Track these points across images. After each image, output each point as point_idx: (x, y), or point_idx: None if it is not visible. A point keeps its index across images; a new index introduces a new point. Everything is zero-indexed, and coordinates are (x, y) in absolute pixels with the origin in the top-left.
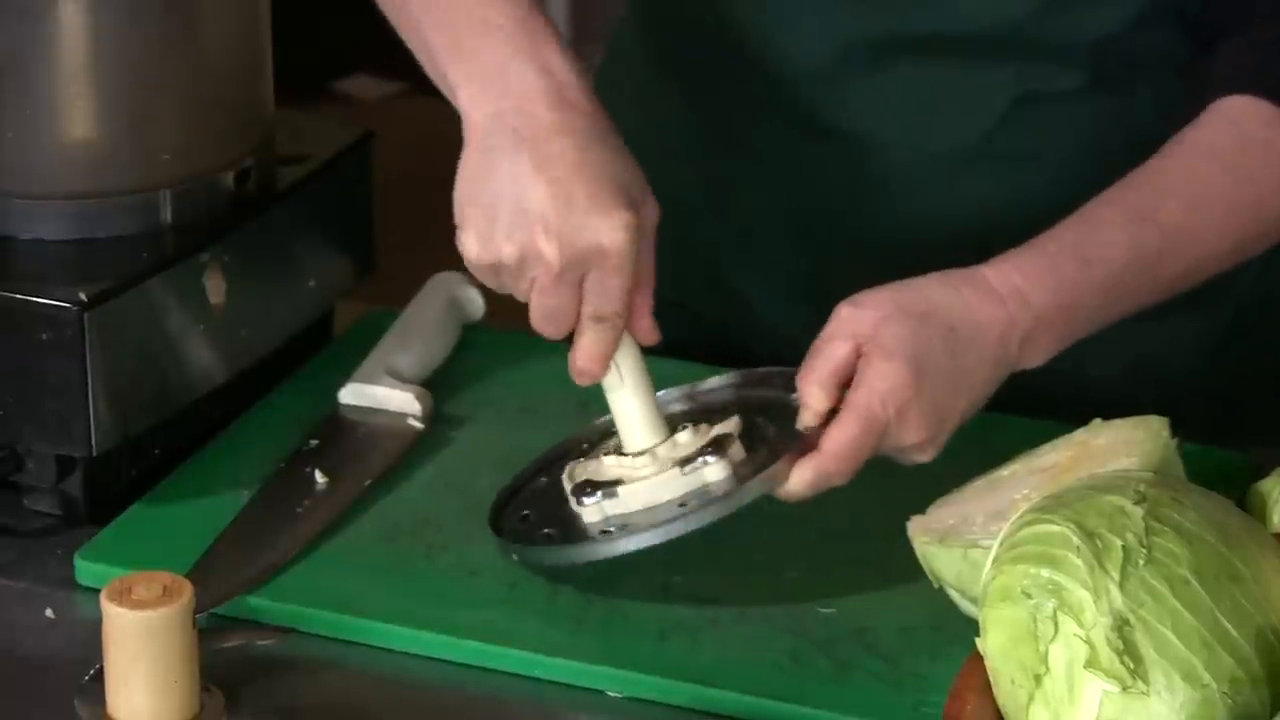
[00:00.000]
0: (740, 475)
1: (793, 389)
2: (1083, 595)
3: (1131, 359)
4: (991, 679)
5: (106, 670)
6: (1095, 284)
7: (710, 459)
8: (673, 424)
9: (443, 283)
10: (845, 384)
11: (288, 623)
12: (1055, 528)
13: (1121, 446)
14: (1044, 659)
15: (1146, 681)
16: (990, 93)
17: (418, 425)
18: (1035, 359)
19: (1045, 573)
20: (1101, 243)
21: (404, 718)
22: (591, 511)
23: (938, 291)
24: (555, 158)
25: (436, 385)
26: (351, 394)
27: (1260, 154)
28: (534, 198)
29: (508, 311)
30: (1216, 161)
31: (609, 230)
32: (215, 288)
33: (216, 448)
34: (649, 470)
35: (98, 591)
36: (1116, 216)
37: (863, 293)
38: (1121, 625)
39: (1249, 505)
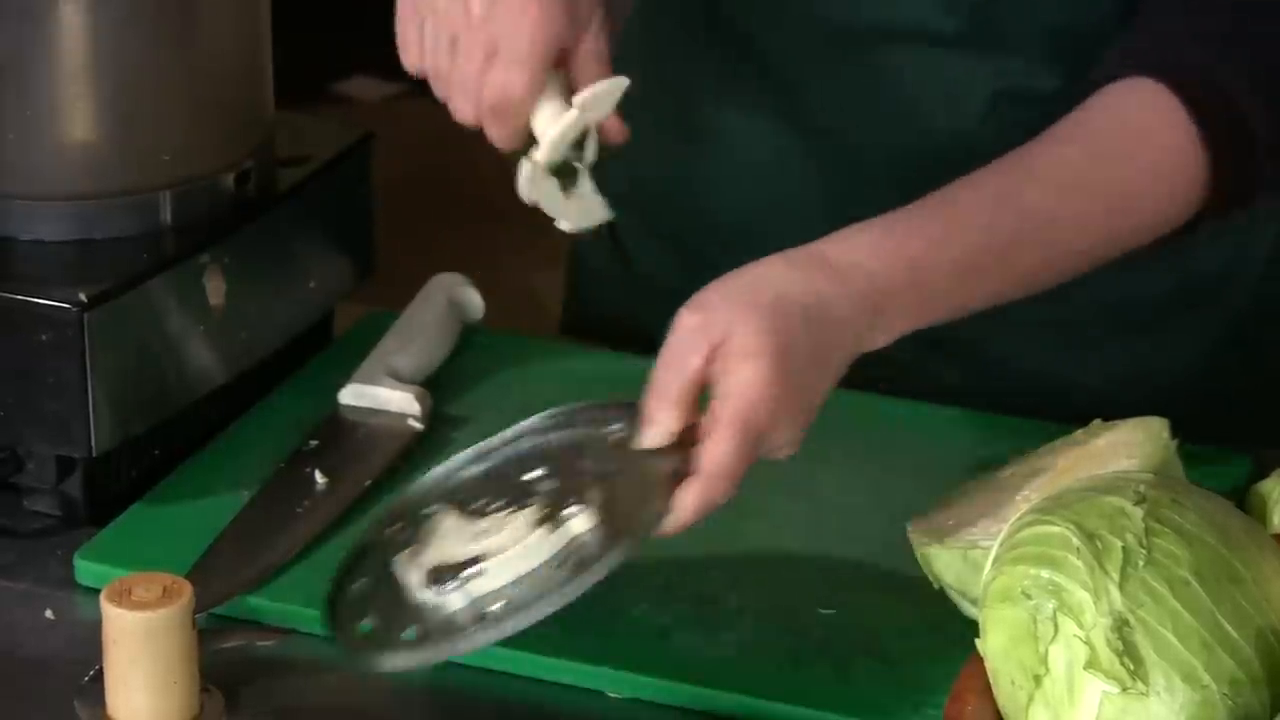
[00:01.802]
0: (610, 520)
1: (604, 424)
2: (1083, 596)
3: (1131, 362)
4: (991, 680)
5: (106, 671)
6: (944, 264)
7: (574, 508)
8: (476, 490)
9: (442, 284)
10: (698, 396)
11: (288, 623)
12: (1055, 529)
13: (1121, 447)
14: (1044, 660)
15: (1146, 682)
16: (968, 90)
17: (418, 426)
18: (885, 337)
19: (1045, 574)
20: (954, 223)
21: (403, 718)
22: (456, 598)
23: (781, 275)
24: None
25: (436, 386)
26: (351, 394)
27: (1135, 141)
28: None
29: (508, 312)
30: (1089, 147)
31: (512, 24)
32: (215, 289)
33: (216, 448)
34: (509, 537)
35: (98, 592)
36: (975, 198)
37: (701, 292)
38: (1121, 626)
39: (1249, 506)
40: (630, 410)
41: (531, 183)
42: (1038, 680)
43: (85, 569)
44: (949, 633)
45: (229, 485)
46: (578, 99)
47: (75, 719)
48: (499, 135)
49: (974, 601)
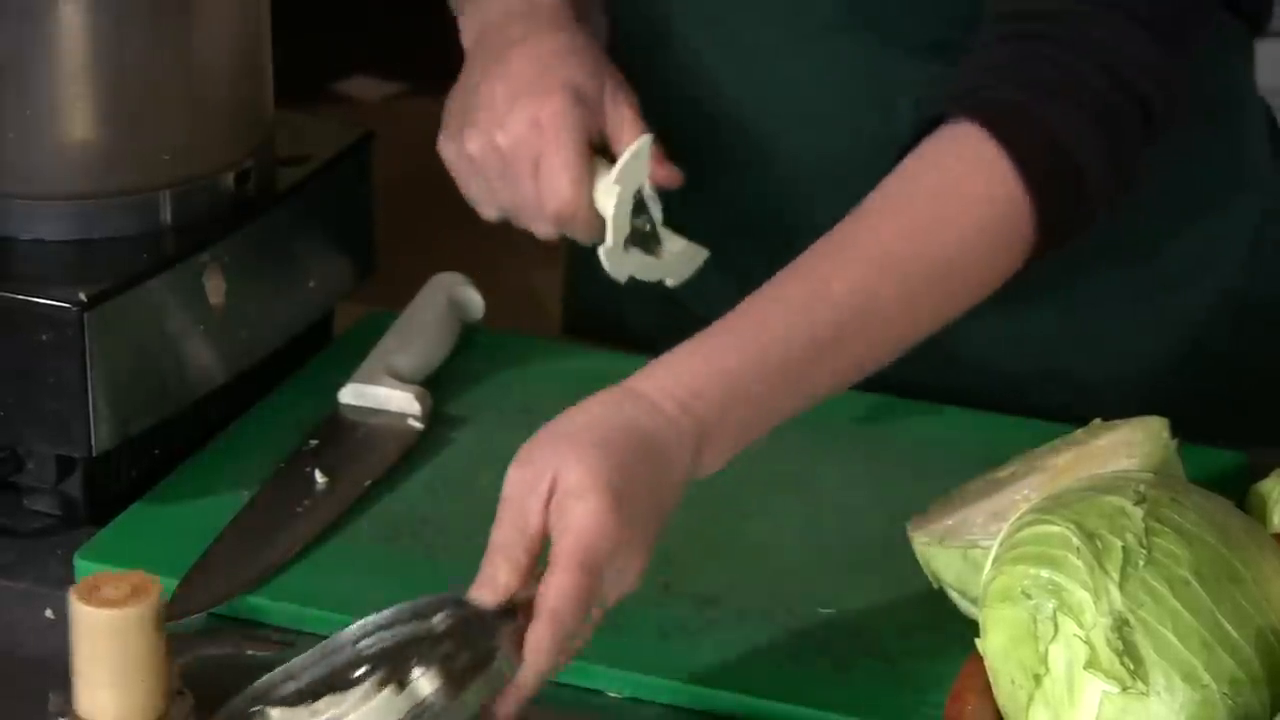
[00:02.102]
0: (456, 677)
1: (428, 617)
2: (1083, 596)
3: (1124, 360)
4: (991, 679)
5: (73, 666)
6: (763, 375)
7: (418, 670)
8: (314, 691)
9: (442, 283)
10: (538, 551)
11: (288, 623)
12: (1055, 528)
13: (1121, 447)
14: (1044, 659)
15: (1146, 682)
16: (897, 91)
17: (417, 425)
18: (717, 458)
19: (1045, 573)
20: (767, 330)
21: None
22: None
23: (602, 415)
24: (511, 65)
25: (436, 385)
26: (351, 394)
27: (956, 204)
28: (489, 98)
29: (508, 313)
30: (904, 220)
31: (548, 113)
32: (215, 288)
33: (216, 448)
34: (351, 704)
35: None
36: (791, 294)
37: (526, 446)
38: (1121, 626)
39: (1249, 506)
40: (450, 602)
41: (616, 266)
42: (1038, 680)
43: (85, 568)
44: (949, 633)
45: (229, 485)
46: (612, 174)
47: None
48: (581, 236)
49: (974, 601)
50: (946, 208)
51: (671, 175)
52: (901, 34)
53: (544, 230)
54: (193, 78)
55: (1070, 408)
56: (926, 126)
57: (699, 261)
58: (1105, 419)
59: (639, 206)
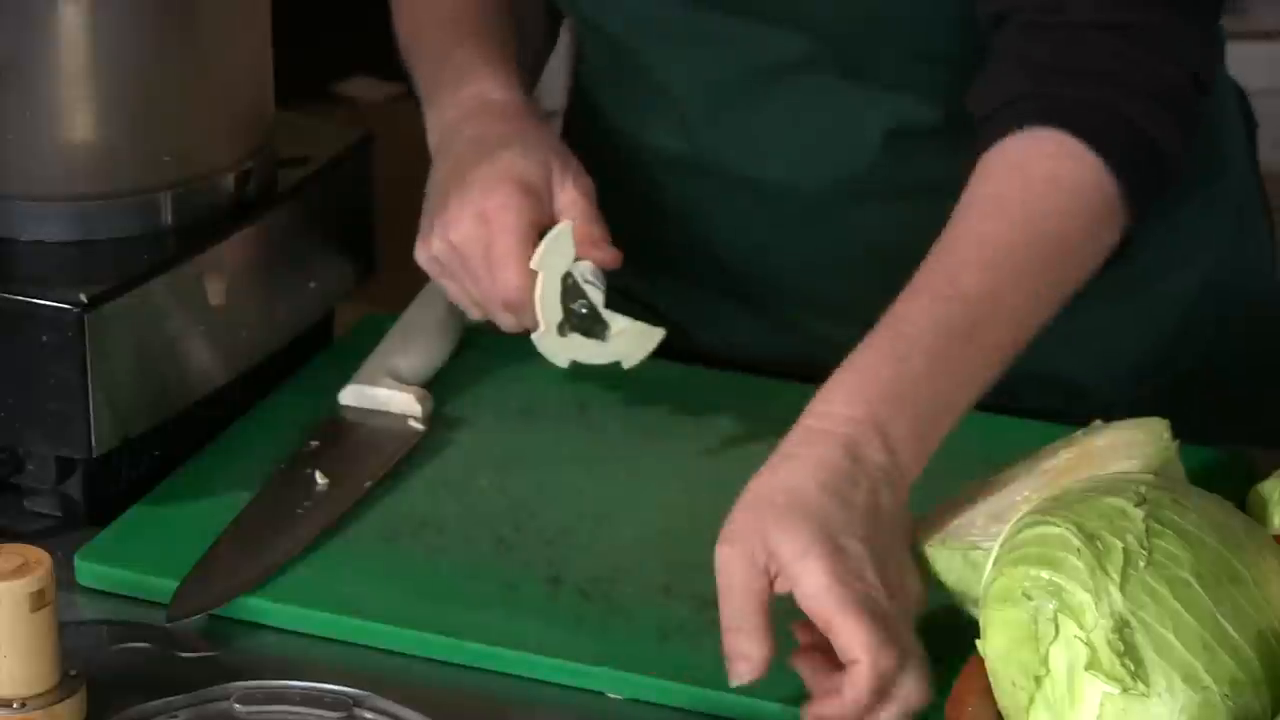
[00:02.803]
0: None
1: None
2: (1083, 597)
3: (1111, 356)
4: (992, 681)
5: None
6: (918, 374)
7: None
8: None
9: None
10: (771, 628)
11: (288, 624)
12: (1056, 529)
13: (1122, 448)
14: (1044, 661)
15: (1147, 683)
16: (863, 126)
17: (418, 427)
18: (912, 463)
19: (1046, 574)
20: (909, 334)
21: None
22: None
23: (782, 473)
24: (462, 164)
25: (437, 387)
26: (352, 395)
27: (1047, 192)
28: (443, 199)
29: None
30: (1006, 217)
31: (494, 206)
32: (216, 289)
33: (216, 449)
34: None
35: (98, 592)
36: (918, 303)
37: (729, 524)
38: (1122, 627)
39: (1249, 507)
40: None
41: (552, 351)
42: (1038, 681)
43: (85, 569)
44: (949, 633)
45: (229, 485)
46: (533, 260)
47: None
48: (530, 325)
49: (974, 602)
50: (1045, 201)
51: (607, 256)
52: (864, 71)
53: (506, 322)
54: (193, 79)
55: (1070, 408)
56: (992, 136)
57: (652, 342)
58: (1105, 419)
59: (575, 291)
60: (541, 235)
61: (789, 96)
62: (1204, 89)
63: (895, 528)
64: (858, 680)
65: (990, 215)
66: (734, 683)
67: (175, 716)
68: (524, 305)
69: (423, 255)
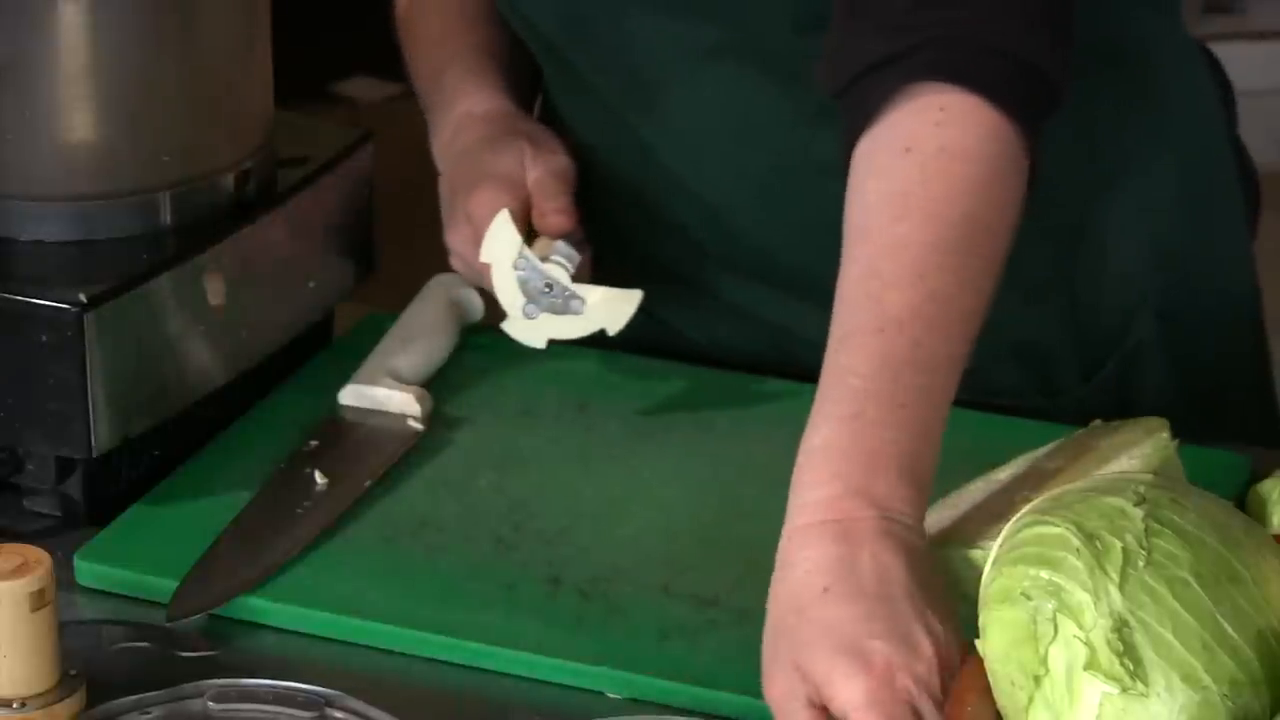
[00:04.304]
0: None
1: None
2: (1082, 597)
3: (1083, 328)
4: (991, 681)
5: None
6: (877, 423)
7: None
8: None
9: (442, 284)
10: None
11: (288, 624)
12: (1055, 529)
13: (1121, 448)
14: (1044, 661)
15: (1146, 683)
16: (787, 113)
17: (417, 426)
18: (906, 508)
19: (1045, 574)
20: (854, 386)
21: (404, 718)
22: None
23: (791, 585)
24: (455, 170)
25: (436, 386)
26: (351, 395)
27: (945, 169)
28: (444, 205)
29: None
30: (912, 215)
31: (474, 205)
32: (215, 289)
33: (216, 449)
34: None
35: (98, 592)
36: (852, 347)
37: (768, 663)
38: (1121, 627)
39: (1249, 507)
40: None
41: (525, 335)
42: (1037, 681)
43: (85, 569)
44: None
45: (229, 485)
46: (481, 255)
47: None
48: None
49: (974, 602)
50: (946, 182)
51: (555, 222)
52: (775, 64)
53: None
54: (193, 79)
55: (1070, 408)
56: (867, 111)
57: (631, 305)
58: (1105, 419)
59: (535, 273)
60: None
61: (710, 85)
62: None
63: (913, 581)
64: None
65: (897, 217)
66: None
67: (149, 713)
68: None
69: (453, 261)
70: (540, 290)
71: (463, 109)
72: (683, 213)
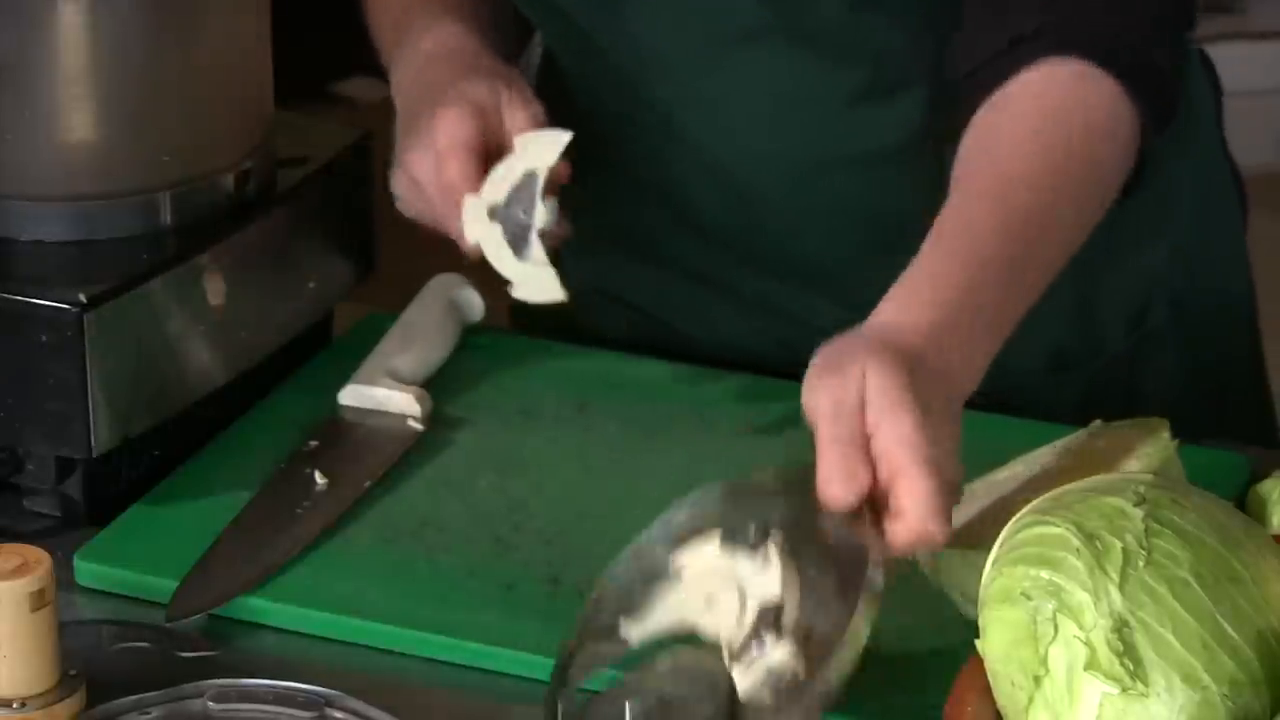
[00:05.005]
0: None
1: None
2: (1082, 597)
3: (1098, 324)
4: (991, 681)
5: None
6: (985, 288)
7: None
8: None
9: (442, 284)
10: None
11: (288, 624)
12: (1055, 529)
13: (1121, 448)
14: (1044, 661)
15: (1146, 683)
16: (828, 92)
17: (417, 426)
18: (971, 373)
19: (1045, 574)
20: (974, 248)
21: (404, 718)
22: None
23: (851, 339)
24: (426, 94)
25: (436, 386)
26: (351, 395)
27: (1075, 112)
28: (405, 141)
29: (507, 313)
30: (1040, 139)
31: (439, 123)
32: (215, 289)
33: (216, 449)
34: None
35: (98, 592)
36: (978, 217)
37: (823, 352)
38: (1121, 627)
39: (1249, 507)
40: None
41: (473, 223)
42: (1037, 681)
43: (85, 569)
44: (949, 633)
45: (229, 485)
46: (519, 139)
47: None
48: (455, 229)
49: (974, 602)
50: (1074, 120)
51: (532, 112)
52: (824, 42)
53: (449, 226)
54: (193, 78)
55: (1070, 408)
56: (998, 79)
57: (551, 296)
58: (1105, 419)
59: (528, 198)
60: (489, 157)
61: (743, 66)
62: (1189, 22)
63: (948, 430)
64: (898, 537)
65: (1024, 139)
66: (826, 497)
67: (149, 713)
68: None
69: (395, 190)
70: (516, 215)
71: (432, 44)
72: (701, 198)
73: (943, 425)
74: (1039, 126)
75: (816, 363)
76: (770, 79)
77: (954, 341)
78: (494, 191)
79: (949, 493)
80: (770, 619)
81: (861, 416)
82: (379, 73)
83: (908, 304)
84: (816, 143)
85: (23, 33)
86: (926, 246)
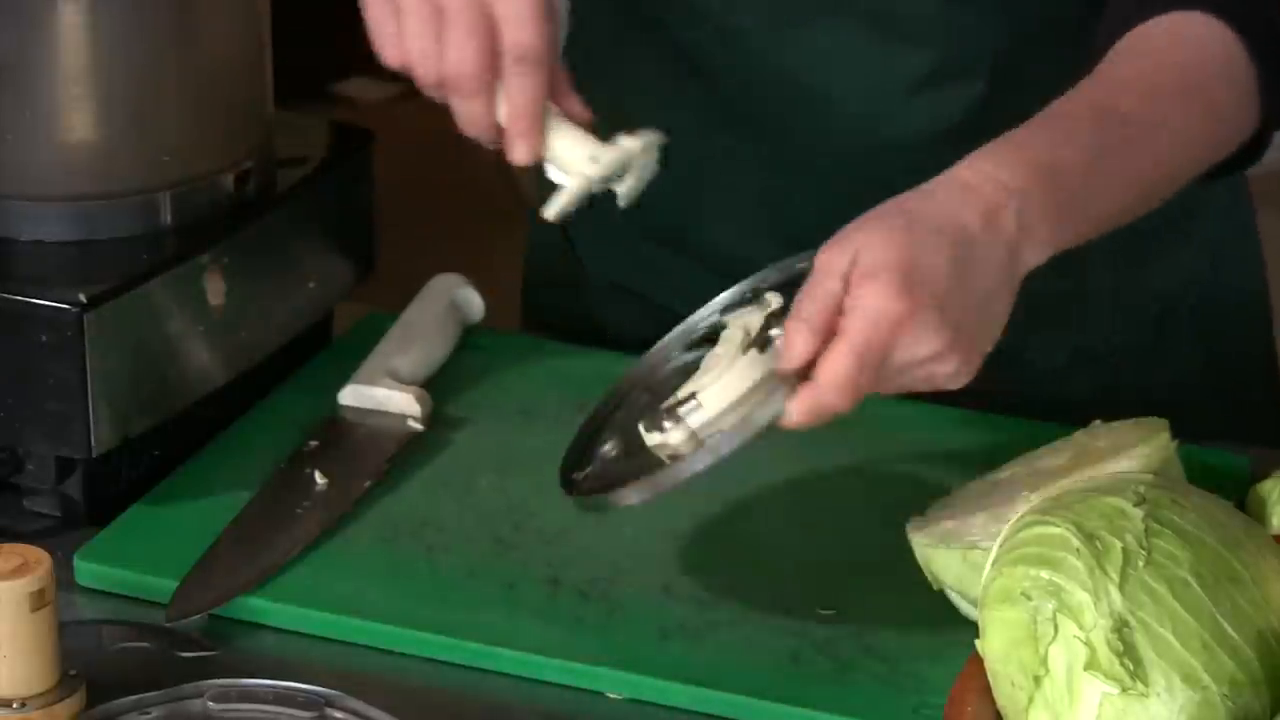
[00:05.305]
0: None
1: (762, 294)
2: (1082, 597)
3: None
4: (991, 681)
5: None
6: (1070, 165)
7: (776, 330)
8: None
9: (442, 284)
10: (832, 329)
11: (288, 624)
12: (1055, 529)
13: (1121, 448)
14: (1044, 661)
15: (1146, 683)
16: (885, 76)
17: (417, 426)
18: (1037, 249)
19: (1045, 574)
20: (1068, 129)
21: (404, 718)
22: (676, 434)
23: (916, 203)
24: None
25: (436, 386)
26: (351, 395)
27: (1196, 53)
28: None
29: (508, 312)
30: (1157, 66)
31: None
32: (215, 289)
33: (216, 449)
34: (721, 367)
35: (98, 592)
36: (1077, 109)
37: (841, 230)
38: (1121, 627)
39: (1248, 507)
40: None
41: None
42: (1037, 681)
43: (85, 569)
44: (949, 633)
45: (229, 485)
46: (629, 142)
47: None
48: (520, 130)
49: (974, 602)
50: (1193, 56)
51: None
52: (899, 24)
53: (470, 112)
54: (193, 78)
55: (1070, 408)
56: (1126, 27)
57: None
58: (1105, 419)
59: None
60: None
61: (811, 44)
62: None
63: (987, 311)
64: (799, 401)
65: (1141, 65)
66: (784, 369)
67: (149, 713)
68: (537, 107)
69: (372, 15)
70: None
71: None
72: (738, 183)
73: (963, 295)
74: (1157, 57)
75: (838, 232)
76: (832, 60)
77: (1027, 205)
78: (605, 169)
79: (869, 376)
80: (690, 409)
81: (835, 288)
82: (379, 73)
83: (987, 159)
84: (871, 127)
85: (23, 33)
86: (1022, 128)
